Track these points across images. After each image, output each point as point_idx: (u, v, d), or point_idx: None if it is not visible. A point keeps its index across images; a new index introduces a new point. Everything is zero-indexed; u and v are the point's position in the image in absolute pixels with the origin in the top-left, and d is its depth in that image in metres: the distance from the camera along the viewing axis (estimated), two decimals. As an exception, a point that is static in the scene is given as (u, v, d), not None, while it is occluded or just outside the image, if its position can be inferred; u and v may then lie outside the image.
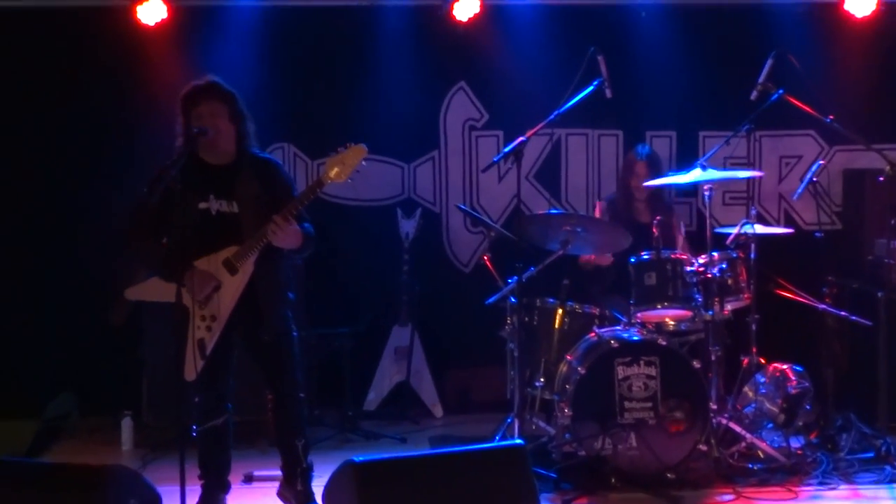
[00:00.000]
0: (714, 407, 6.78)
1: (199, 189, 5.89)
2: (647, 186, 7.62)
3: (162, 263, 5.93)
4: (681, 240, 7.86)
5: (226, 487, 6.25)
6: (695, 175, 7.10)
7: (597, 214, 8.03)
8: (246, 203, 5.94)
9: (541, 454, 6.76)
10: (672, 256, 7.04)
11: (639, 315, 7.03)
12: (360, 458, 4.99)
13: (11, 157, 8.40)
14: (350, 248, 8.56)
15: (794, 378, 7.05)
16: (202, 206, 5.91)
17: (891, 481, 6.67)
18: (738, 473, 6.71)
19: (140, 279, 6.50)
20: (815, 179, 7.48)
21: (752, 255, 7.10)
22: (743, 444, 6.88)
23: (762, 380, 7.11)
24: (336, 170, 5.88)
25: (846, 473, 6.77)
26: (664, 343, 6.75)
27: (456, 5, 8.16)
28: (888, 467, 6.79)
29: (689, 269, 6.98)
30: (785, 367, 7.11)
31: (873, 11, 8.30)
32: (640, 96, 8.50)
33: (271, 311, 6.02)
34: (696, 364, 6.70)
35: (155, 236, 5.93)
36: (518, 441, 6.01)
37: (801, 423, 7.08)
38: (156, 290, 6.07)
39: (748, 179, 8.38)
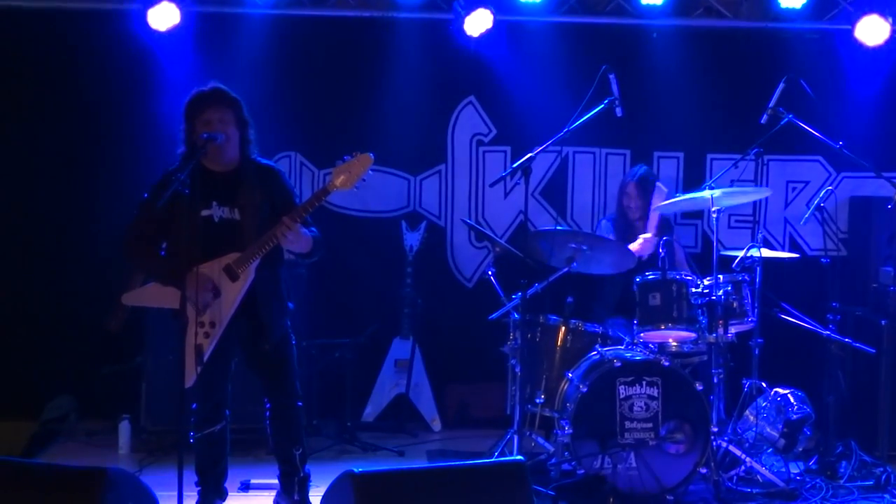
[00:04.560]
0: (715, 429, 6.75)
1: (202, 196, 5.82)
2: (643, 208, 7.61)
3: (161, 269, 5.91)
4: (680, 259, 7.82)
5: (223, 495, 6.23)
6: (706, 193, 7.06)
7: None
8: (248, 210, 5.92)
9: (539, 471, 6.73)
10: (677, 278, 7.02)
11: (642, 335, 7.00)
12: (360, 469, 4.95)
13: (14, 160, 8.38)
14: (353, 259, 8.54)
15: (795, 403, 7.06)
16: (205, 213, 5.88)
17: (890, 510, 6.67)
18: (736, 497, 6.68)
19: (136, 284, 6.49)
20: (822, 205, 7.47)
21: (758, 279, 7.08)
22: (742, 467, 6.86)
23: (763, 404, 7.10)
24: (342, 178, 5.88)
25: (845, 501, 6.73)
26: (667, 364, 6.72)
27: (467, 20, 8.15)
28: (888, 496, 6.77)
29: (694, 290, 6.96)
30: (787, 391, 7.12)
31: (885, 39, 8.29)
32: (649, 116, 8.50)
33: (271, 319, 5.99)
34: (699, 386, 6.67)
35: (156, 242, 5.92)
36: (519, 458, 5.97)
37: (801, 449, 7.10)
38: (153, 296, 6.03)
39: (755, 203, 8.35)
